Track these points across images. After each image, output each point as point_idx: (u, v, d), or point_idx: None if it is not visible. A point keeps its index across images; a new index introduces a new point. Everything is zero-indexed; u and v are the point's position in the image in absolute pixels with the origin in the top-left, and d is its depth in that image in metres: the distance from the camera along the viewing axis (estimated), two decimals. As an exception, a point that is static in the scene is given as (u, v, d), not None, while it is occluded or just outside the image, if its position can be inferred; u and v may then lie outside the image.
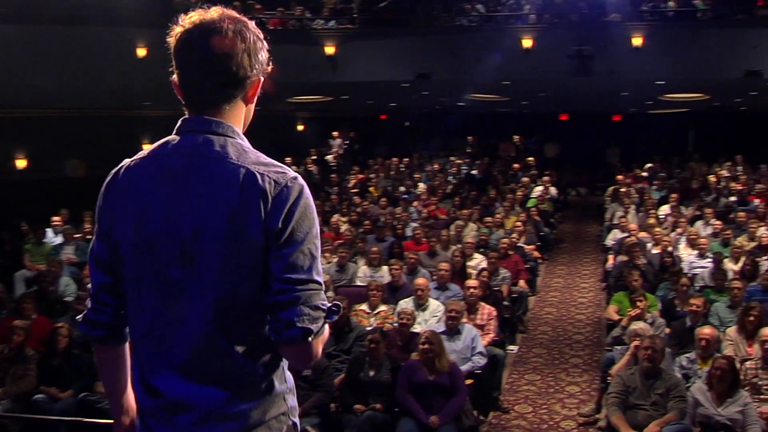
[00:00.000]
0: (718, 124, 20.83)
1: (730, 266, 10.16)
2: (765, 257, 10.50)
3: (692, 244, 11.23)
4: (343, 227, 12.56)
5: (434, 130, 22.50)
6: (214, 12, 1.80)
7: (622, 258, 10.91)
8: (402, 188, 16.51)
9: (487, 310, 8.13)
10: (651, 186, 16.65)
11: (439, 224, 13.05)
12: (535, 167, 18.58)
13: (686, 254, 11.07)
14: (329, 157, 20.31)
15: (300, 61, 13.61)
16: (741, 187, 16.05)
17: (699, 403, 5.85)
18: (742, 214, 12.98)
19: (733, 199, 15.26)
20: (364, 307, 8.29)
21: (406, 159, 18.99)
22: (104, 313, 1.88)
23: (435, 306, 8.18)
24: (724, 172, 17.79)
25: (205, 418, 1.75)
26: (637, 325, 7.03)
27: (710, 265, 10.20)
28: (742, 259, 10.37)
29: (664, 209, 14.20)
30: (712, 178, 16.80)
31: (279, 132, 20.16)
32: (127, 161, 1.86)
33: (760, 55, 13.49)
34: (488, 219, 12.69)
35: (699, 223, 12.94)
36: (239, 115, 1.87)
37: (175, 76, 1.83)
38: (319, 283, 1.77)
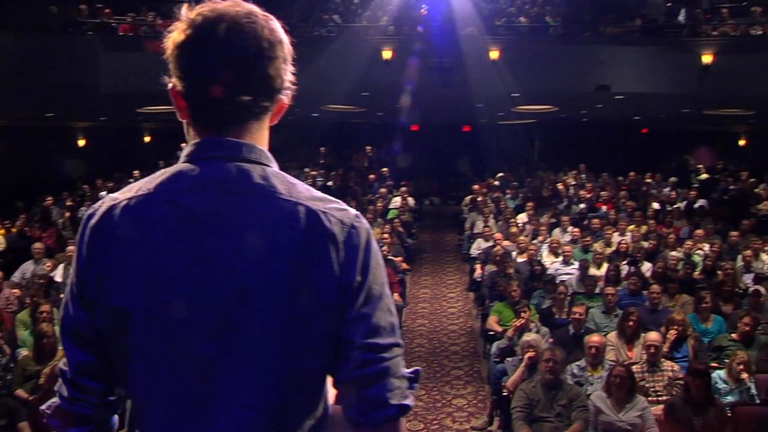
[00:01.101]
0: (562, 134, 21.80)
1: (594, 272, 10.53)
2: (624, 262, 11.00)
3: (555, 251, 11.57)
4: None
5: (286, 141, 22.07)
6: (234, 3, 1.40)
7: (491, 267, 11.06)
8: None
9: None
10: (505, 195, 17.10)
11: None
12: (390, 178, 18.68)
13: (550, 262, 11.37)
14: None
15: (153, 69, 12.83)
16: (589, 195, 16.88)
17: (600, 410, 5.90)
18: (595, 220, 13.56)
19: (582, 206, 15.97)
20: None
21: (262, 171, 18.44)
22: (87, 404, 1.41)
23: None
24: (571, 180, 18.63)
25: None
26: (530, 337, 7.05)
27: (576, 271, 10.56)
28: (605, 264, 10.79)
29: (522, 217, 14.61)
30: (560, 186, 17.49)
31: (124, 144, 19.15)
32: (118, 197, 1.38)
33: (608, 70, 14.18)
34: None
35: (557, 231, 13.40)
36: (265, 137, 1.46)
37: (176, 84, 1.40)
38: (401, 346, 1.43)
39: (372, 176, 18.72)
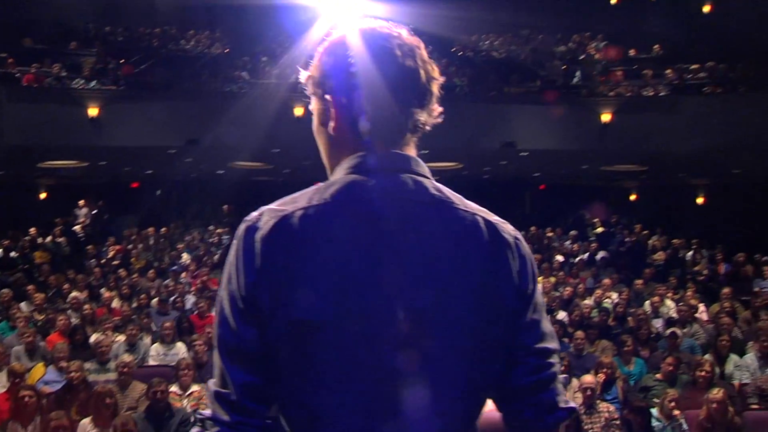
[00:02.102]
0: (464, 191, 22.19)
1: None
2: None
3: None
4: (115, 302, 11.55)
5: (189, 199, 21.71)
6: (387, 25, 1.44)
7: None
8: (166, 259, 15.63)
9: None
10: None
11: (215, 296, 12.52)
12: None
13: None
14: (76, 228, 18.66)
15: (59, 122, 12.44)
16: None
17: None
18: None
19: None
20: (174, 388, 7.49)
21: (164, 229, 18.02)
22: (252, 428, 1.30)
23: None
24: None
25: None
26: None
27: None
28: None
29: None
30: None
31: (18, 200, 18.29)
32: (285, 208, 1.33)
33: (514, 128, 14.71)
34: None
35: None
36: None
37: (330, 99, 1.41)
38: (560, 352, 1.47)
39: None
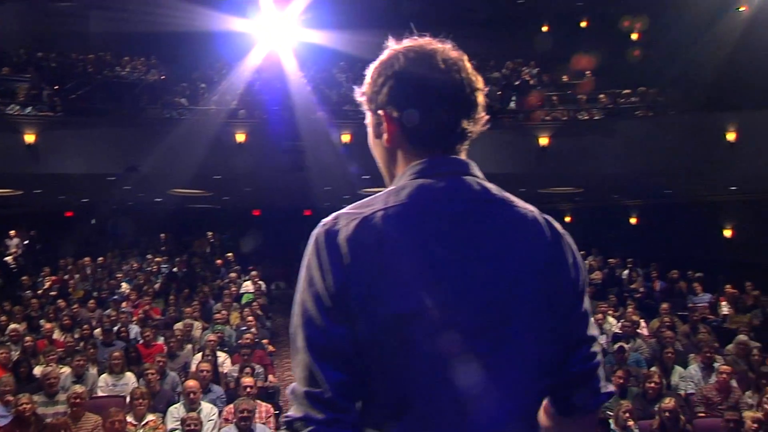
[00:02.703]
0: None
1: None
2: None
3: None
4: (56, 334, 11.23)
5: (125, 227, 21.29)
6: (432, 41, 1.54)
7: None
8: (105, 289, 15.26)
9: (264, 408, 7.71)
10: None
11: (160, 325, 12.30)
12: (236, 263, 18.45)
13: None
14: (8, 259, 18.07)
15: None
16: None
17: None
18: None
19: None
20: (129, 418, 7.33)
21: (101, 258, 17.61)
22: (346, 425, 1.33)
23: (209, 409, 7.56)
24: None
25: None
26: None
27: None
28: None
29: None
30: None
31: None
32: (362, 211, 1.40)
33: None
34: (218, 316, 12.14)
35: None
36: None
37: (390, 111, 1.50)
38: None
39: (219, 261, 18.36)
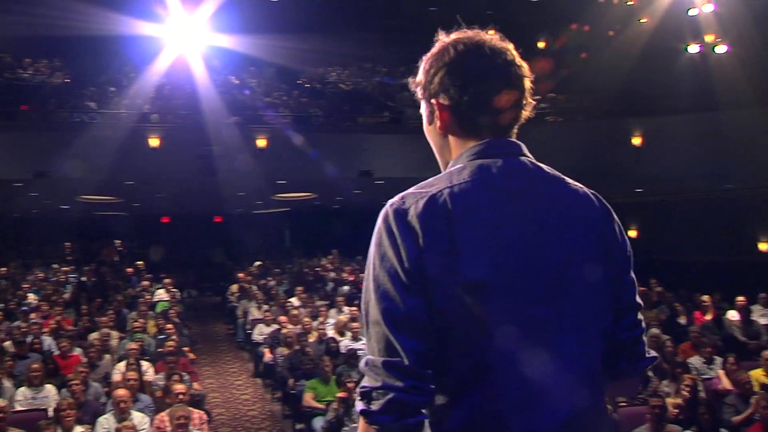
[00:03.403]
0: (314, 221, 22.47)
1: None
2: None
3: (340, 329, 11.88)
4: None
5: (29, 236, 20.43)
6: (480, 32, 1.64)
7: (283, 350, 11.10)
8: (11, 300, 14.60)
9: (197, 414, 7.61)
10: (270, 281, 17.22)
11: (74, 335, 11.90)
12: (147, 271, 18.05)
13: (339, 339, 11.64)
14: None
15: None
16: (352, 278, 17.56)
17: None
18: (369, 300, 14.14)
19: (347, 288, 16.58)
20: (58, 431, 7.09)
21: (3, 269, 16.85)
22: (424, 392, 1.40)
23: (140, 418, 7.40)
24: (328, 265, 19.29)
25: None
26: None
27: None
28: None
29: (294, 301, 14.77)
30: (324, 271, 18.06)
31: None
32: (429, 189, 1.49)
33: (369, 157, 15.08)
34: (136, 325, 11.87)
35: (333, 311, 13.79)
36: None
37: (444, 99, 1.60)
38: None
39: (130, 270, 17.89)
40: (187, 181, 15.00)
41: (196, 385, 9.92)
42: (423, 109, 1.70)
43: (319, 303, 14.39)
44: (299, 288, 15.60)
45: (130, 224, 20.98)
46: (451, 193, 1.46)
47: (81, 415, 7.66)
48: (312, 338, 11.53)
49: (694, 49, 13.78)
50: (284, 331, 11.84)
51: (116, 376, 9.08)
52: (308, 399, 8.83)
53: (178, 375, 8.61)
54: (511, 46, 1.62)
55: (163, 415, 7.33)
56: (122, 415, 7.25)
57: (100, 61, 17.34)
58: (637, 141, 13.73)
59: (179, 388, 7.69)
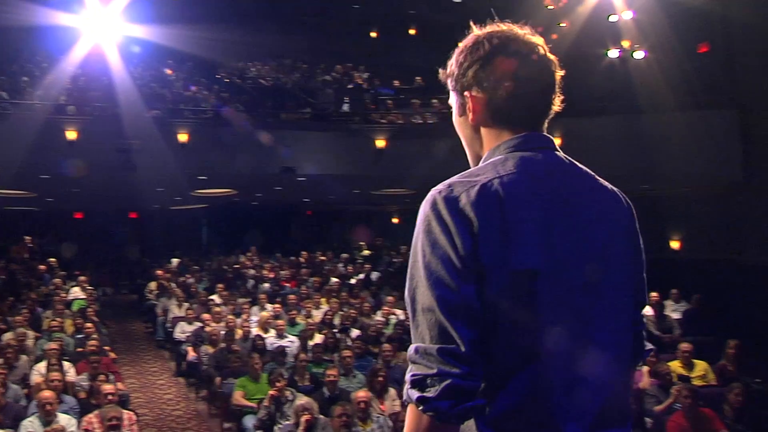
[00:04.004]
0: (232, 217, 22.21)
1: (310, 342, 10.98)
2: (335, 330, 11.63)
3: (264, 327, 11.79)
4: None
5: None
6: (513, 27, 1.68)
7: (208, 348, 10.96)
8: None
9: (127, 415, 7.43)
10: (189, 278, 16.93)
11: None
12: (60, 268, 17.47)
13: (264, 336, 11.55)
14: None
15: None
16: (272, 275, 17.46)
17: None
18: (292, 296, 14.14)
19: (267, 285, 16.47)
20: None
21: None
22: (478, 378, 1.43)
23: (66, 420, 7.18)
24: (247, 262, 19.11)
25: None
26: (302, 401, 7.19)
27: (292, 343, 10.94)
28: (316, 334, 11.31)
29: (215, 298, 14.58)
30: (244, 268, 17.90)
31: None
32: (477, 179, 1.51)
33: (292, 153, 15.00)
34: (54, 323, 11.48)
35: (255, 308, 13.69)
36: None
37: (477, 92, 1.64)
38: None
39: (42, 267, 17.27)
40: (104, 176, 14.56)
41: (120, 385, 9.69)
42: (453, 101, 1.72)
43: (241, 300, 14.27)
44: (220, 285, 15.41)
45: (41, 220, 20.28)
46: (501, 183, 1.49)
47: (1, 419, 7.41)
48: (237, 336, 11.42)
49: (614, 53, 14.27)
50: (208, 329, 11.71)
51: (36, 378, 8.79)
52: (238, 397, 8.75)
53: (104, 375, 8.39)
54: (542, 41, 1.66)
55: (91, 417, 7.14)
56: (48, 417, 7.02)
57: (12, 50, 16.69)
58: (557, 141, 14.08)
59: (108, 388, 7.50)
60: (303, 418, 6.87)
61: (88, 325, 11.49)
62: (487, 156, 1.63)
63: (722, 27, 13.72)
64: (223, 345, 10.67)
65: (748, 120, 13.32)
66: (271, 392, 7.96)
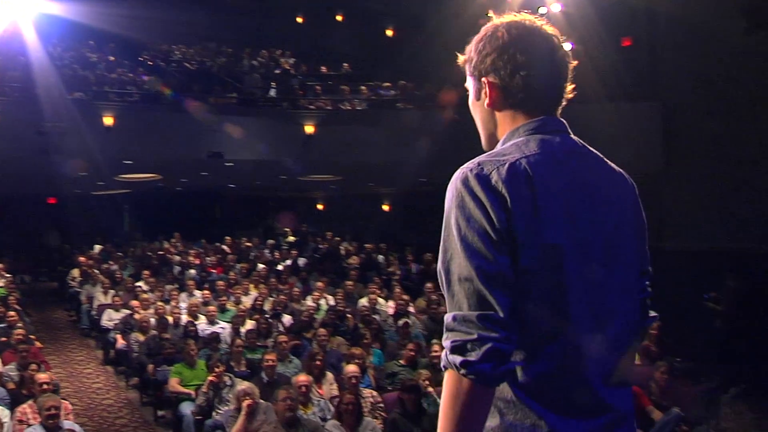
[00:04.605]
0: (153, 203, 21.82)
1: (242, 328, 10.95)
2: (267, 316, 11.64)
3: (194, 313, 11.69)
4: None
5: None
6: (527, 17, 1.78)
7: (138, 336, 10.83)
8: None
9: (64, 405, 7.31)
10: (113, 265, 16.60)
11: None
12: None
13: (195, 322, 11.47)
14: None
15: None
16: (198, 261, 17.27)
17: (339, 438, 6.39)
18: (221, 283, 14.06)
19: (193, 271, 16.31)
20: None
21: None
22: (513, 342, 1.54)
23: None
24: (172, 249, 18.84)
25: (622, 421, 1.68)
26: (243, 386, 7.21)
27: (223, 329, 10.91)
28: (248, 321, 11.29)
29: (142, 285, 14.35)
30: (169, 254, 17.66)
31: None
32: (507, 158, 1.62)
33: (220, 138, 14.85)
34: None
35: (184, 295, 13.56)
36: None
37: (494, 79, 1.74)
38: None
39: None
40: (24, 159, 14.09)
41: (48, 375, 9.49)
42: (470, 85, 1.82)
43: (168, 287, 14.09)
44: (146, 272, 15.16)
45: None
46: (529, 163, 1.61)
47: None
48: (168, 322, 11.30)
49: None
50: (137, 316, 11.55)
51: (-42, 369, 8.54)
52: (174, 384, 8.69)
53: (35, 364, 8.22)
54: (557, 32, 1.77)
55: (25, 407, 7.03)
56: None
57: None
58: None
59: (42, 377, 7.37)
60: (245, 403, 6.89)
61: (11, 313, 11.20)
62: (507, 137, 1.73)
63: (647, 20, 14.26)
64: (154, 332, 10.55)
65: (670, 111, 13.91)
66: (209, 378, 7.95)
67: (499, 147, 1.72)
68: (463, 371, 1.50)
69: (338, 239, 19.86)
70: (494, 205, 1.55)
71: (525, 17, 1.77)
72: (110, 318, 12.53)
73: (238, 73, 18.19)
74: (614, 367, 1.66)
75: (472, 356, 1.50)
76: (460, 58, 1.83)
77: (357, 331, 10.55)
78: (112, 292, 13.80)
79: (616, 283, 1.68)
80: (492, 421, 1.60)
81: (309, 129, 15.36)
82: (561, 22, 12.79)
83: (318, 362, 8.20)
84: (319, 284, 13.88)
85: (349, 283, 13.99)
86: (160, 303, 12.20)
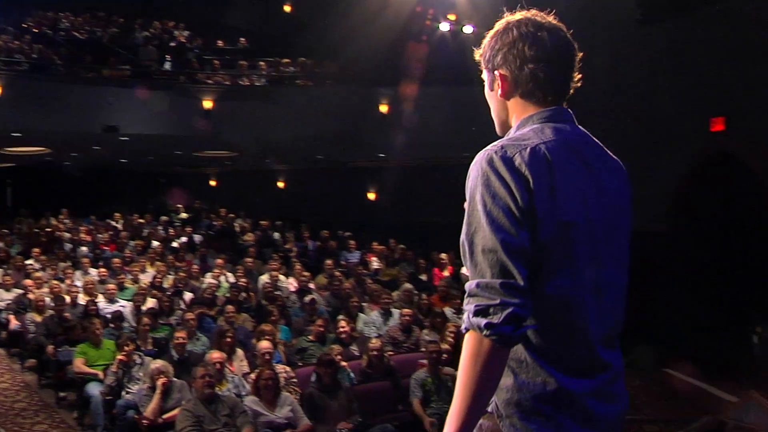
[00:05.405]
0: (38, 178, 20.96)
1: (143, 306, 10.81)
2: (168, 293, 11.50)
3: (91, 292, 11.42)
4: None
5: None
6: (537, 12, 1.96)
7: (35, 316, 10.55)
8: None
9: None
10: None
11: None
12: None
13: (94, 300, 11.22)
14: None
15: None
16: (90, 238, 16.77)
17: (258, 413, 6.51)
18: (116, 260, 13.79)
19: (85, 249, 15.86)
20: None
21: None
22: (529, 309, 1.72)
23: None
24: (60, 225, 18.21)
25: (617, 378, 1.90)
26: (157, 364, 7.21)
27: (124, 308, 10.75)
28: (149, 299, 11.14)
29: (33, 263, 13.87)
30: (58, 232, 17.10)
31: None
32: (527, 142, 1.81)
33: (116, 111, 14.45)
34: None
35: (78, 273, 13.22)
36: None
37: (505, 71, 1.92)
38: None
39: None
40: None
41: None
42: (485, 77, 2.01)
43: (62, 265, 13.70)
44: (35, 250, 14.63)
45: None
46: (547, 148, 1.81)
47: None
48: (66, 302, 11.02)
49: (445, 27, 14.88)
50: (31, 295, 11.22)
51: None
52: (79, 365, 8.52)
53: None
54: (563, 26, 1.96)
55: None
56: None
57: None
58: (384, 108, 14.65)
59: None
60: (159, 381, 6.92)
61: None
62: (521, 124, 1.92)
63: (549, 4, 14.69)
64: (52, 312, 10.29)
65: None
66: (119, 357, 7.87)
67: (513, 132, 1.91)
68: (486, 332, 1.68)
69: (232, 216, 19.73)
70: (518, 185, 1.74)
71: (534, 13, 1.96)
72: (1, 298, 12.07)
73: (132, 45, 17.66)
74: (611, 331, 1.90)
75: (495, 319, 1.68)
76: (476, 54, 2.02)
77: (261, 308, 10.63)
78: (0, 270, 13.27)
79: (613, 257, 1.90)
80: (506, 379, 1.79)
81: (207, 104, 15.17)
82: (464, 5, 13.19)
83: (228, 339, 8.26)
84: (219, 261, 13.83)
85: (249, 260, 14.01)
86: (54, 281, 11.86)
